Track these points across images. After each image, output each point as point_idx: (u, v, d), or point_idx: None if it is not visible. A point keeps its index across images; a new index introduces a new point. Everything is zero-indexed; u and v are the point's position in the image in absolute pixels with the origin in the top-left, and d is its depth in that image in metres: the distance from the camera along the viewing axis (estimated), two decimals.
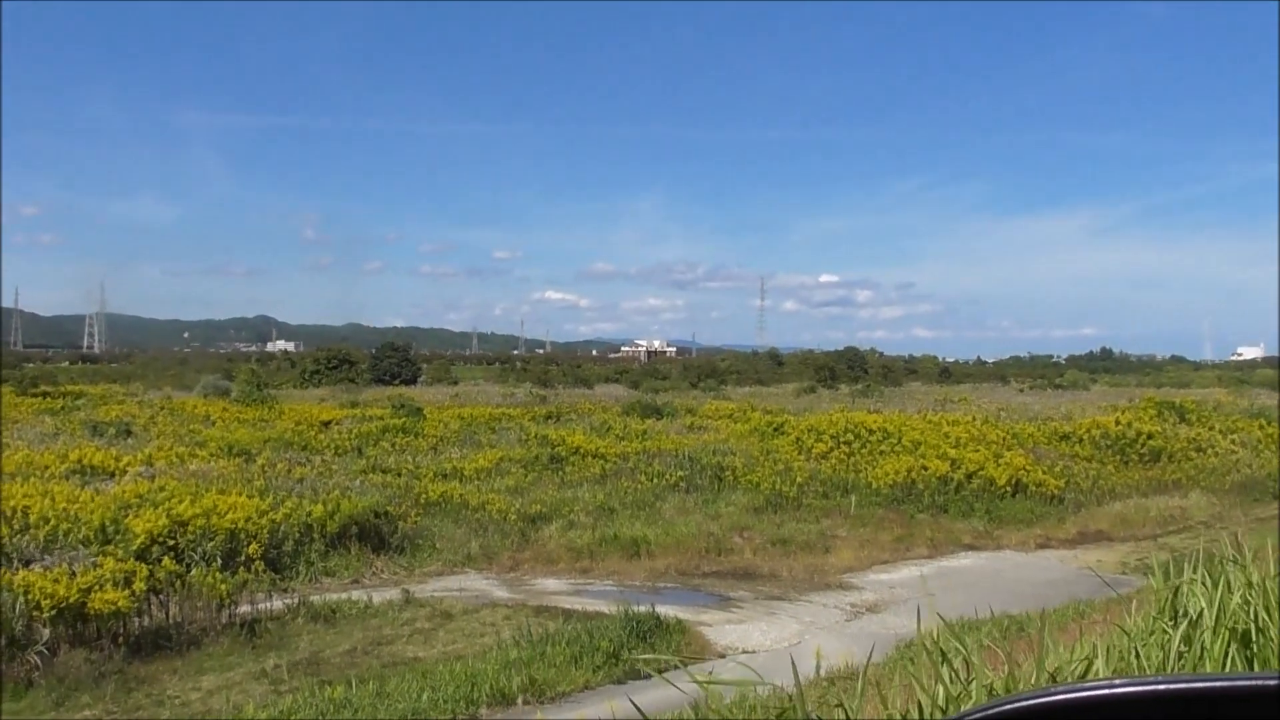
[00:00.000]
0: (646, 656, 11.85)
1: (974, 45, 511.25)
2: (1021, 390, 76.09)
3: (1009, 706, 1.30)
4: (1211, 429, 37.27)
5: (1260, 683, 1.31)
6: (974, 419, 37.40)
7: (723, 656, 14.83)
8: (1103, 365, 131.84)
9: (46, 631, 13.96)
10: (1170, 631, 3.36)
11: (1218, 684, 1.36)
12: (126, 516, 18.07)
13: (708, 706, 4.48)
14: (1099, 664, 3.30)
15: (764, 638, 16.09)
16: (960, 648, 3.14)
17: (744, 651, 15.15)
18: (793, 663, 3.19)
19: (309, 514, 20.45)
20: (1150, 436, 34.05)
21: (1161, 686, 1.29)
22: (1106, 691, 1.26)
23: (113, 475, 24.11)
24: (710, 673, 3.62)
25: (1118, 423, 35.28)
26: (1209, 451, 33.87)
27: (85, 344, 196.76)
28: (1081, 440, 33.98)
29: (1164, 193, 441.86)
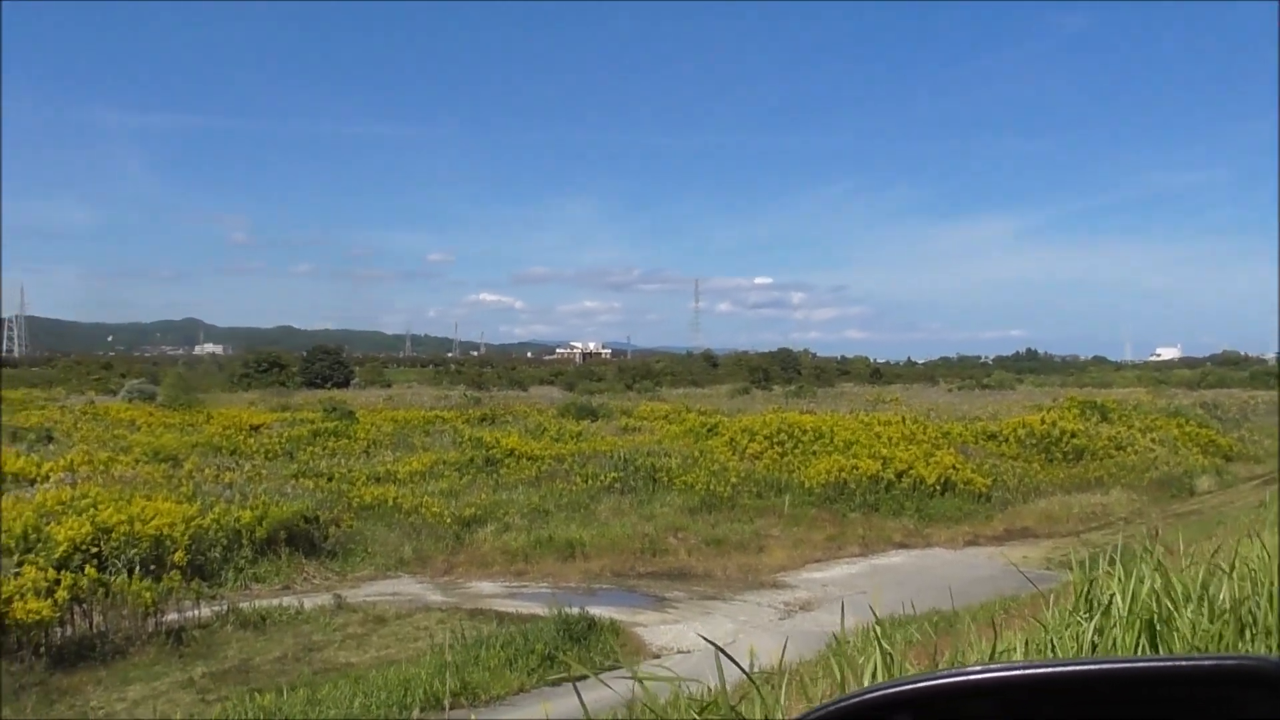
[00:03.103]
0: (588, 670, 11.87)
1: (903, 54, 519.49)
2: (950, 391, 77.39)
3: (882, 693, 1.35)
4: (1131, 427, 38.30)
5: (1109, 666, 1.38)
6: (904, 419, 37.96)
7: (657, 657, 14.88)
8: (1028, 366, 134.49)
9: None
10: (1084, 623, 3.46)
11: (1083, 668, 1.42)
12: (48, 524, 17.64)
13: (642, 705, 4.50)
14: (1017, 656, 3.40)
15: (698, 638, 16.17)
16: (884, 643, 3.21)
17: (679, 652, 15.22)
18: (729, 657, 3.23)
19: (237, 519, 20.13)
20: (1073, 435, 34.88)
21: (1029, 671, 1.36)
22: (976, 677, 1.32)
23: (34, 482, 23.49)
24: (635, 671, 3.66)
25: (1043, 422, 36.09)
26: (1129, 449, 34.79)
27: (5, 347, 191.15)
28: (1008, 439, 34.70)
29: (1084, 199, 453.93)
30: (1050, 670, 1.39)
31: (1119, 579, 3.75)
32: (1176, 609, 3.42)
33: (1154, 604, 3.43)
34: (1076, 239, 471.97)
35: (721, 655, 3.03)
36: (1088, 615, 3.63)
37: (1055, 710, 1.30)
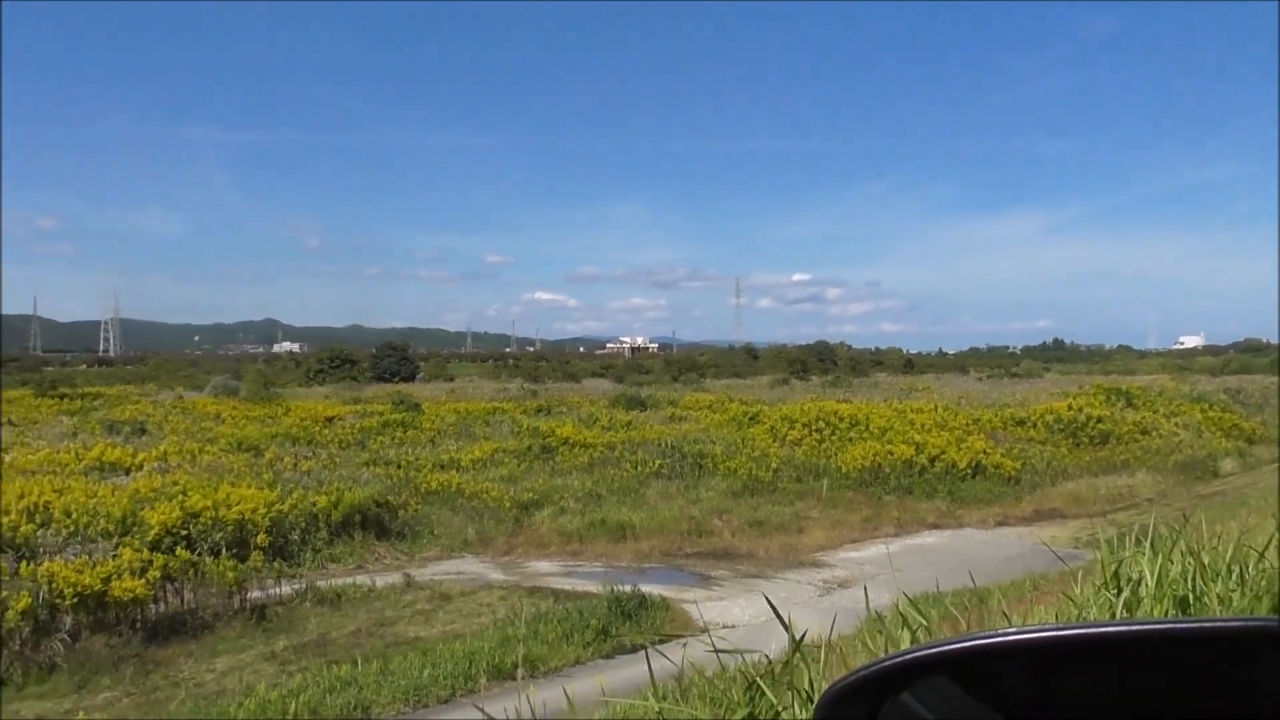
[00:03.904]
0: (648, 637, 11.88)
1: (934, 57, 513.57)
2: (980, 379, 76.33)
3: (916, 655, 1.33)
4: (1156, 413, 37.53)
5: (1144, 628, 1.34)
6: (936, 407, 37.53)
7: (704, 631, 14.83)
8: (1055, 355, 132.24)
9: (69, 618, 13.89)
10: (1114, 599, 3.39)
11: (1114, 630, 1.38)
12: (142, 509, 17.98)
13: (693, 673, 4.50)
14: None
15: (742, 613, 16.10)
16: (919, 617, 3.16)
17: (724, 626, 15.17)
18: (787, 625, 3.21)
19: (314, 504, 20.38)
20: (1099, 420, 34.25)
21: (1054, 633, 1.32)
22: (1007, 639, 1.29)
23: (129, 471, 23.96)
24: (684, 645, 3.66)
25: (1069, 408, 35.48)
26: (1154, 434, 34.11)
27: (101, 348, 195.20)
28: (1036, 425, 34.14)
29: (1111, 195, 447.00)
30: (1081, 632, 1.35)
31: (1148, 556, 3.66)
32: (1206, 584, 3.33)
33: (1185, 580, 3.35)
34: (1104, 232, 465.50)
35: (774, 626, 3.02)
36: (1116, 592, 3.55)
37: (1086, 671, 1.27)
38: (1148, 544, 3.89)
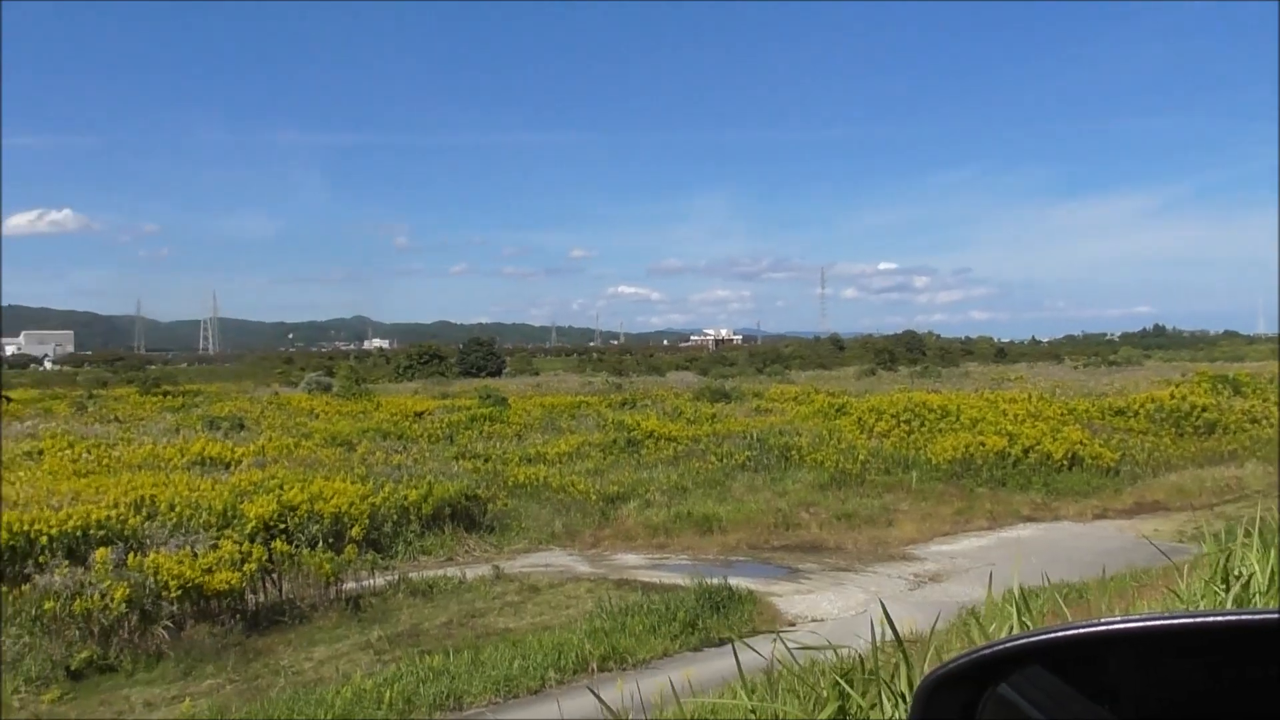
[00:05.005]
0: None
1: (1025, 37, 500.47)
2: (1076, 368, 74.35)
3: (1014, 644, 1.30)
4: (1266, 401, 35.95)
5: (1257, 618, 1.29)
6: (1030, 396, 36.62)
7: (793, 625, 14.75)
8: (1156, 342, 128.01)
9: (174, 608, 14.42)
10: (1223, 594, 3.27)
11: (1228, 619, 1.33)
12: (242, 503, 18.55)
13: (783, 668, 4.48)
14: None
15: (831, 607, 15.97)
16: (1017, 610, 3.09)
17: (813, 620, 15.05)
18: (874, 623, 3.17)
19: (406, 497, 20.76)
20: (1205, 409, 32.90)
21: (1157, 623, 1.27)
22: (1109, 628, 1.25)
23: (228, 465, 24.77)
24: (775, 639, 3.64)
25: (1172, 397, 34.20)
26: (1264, 422, 32.66)
27: (201, 346, 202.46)
28: (1136, 414, 32.99)
29: (1215, 173, 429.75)
30: (1183, 621, 1.30)
31: (1258, 551, 3.52)
32: None
33: None
34: (1207, 213, 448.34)
35: (865, 620, 2.98)
36: (1225, 586, 3.42)
37: (1188, 661, 1.23)
38: (1256, 537, 3.73)
